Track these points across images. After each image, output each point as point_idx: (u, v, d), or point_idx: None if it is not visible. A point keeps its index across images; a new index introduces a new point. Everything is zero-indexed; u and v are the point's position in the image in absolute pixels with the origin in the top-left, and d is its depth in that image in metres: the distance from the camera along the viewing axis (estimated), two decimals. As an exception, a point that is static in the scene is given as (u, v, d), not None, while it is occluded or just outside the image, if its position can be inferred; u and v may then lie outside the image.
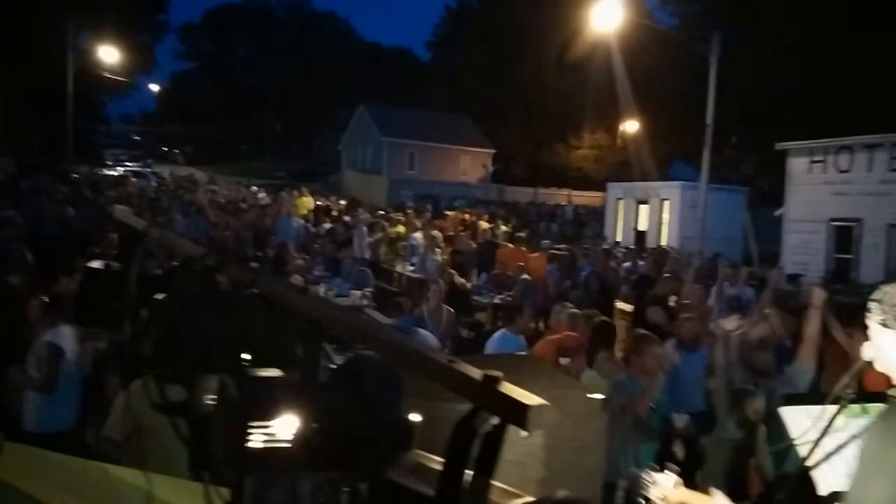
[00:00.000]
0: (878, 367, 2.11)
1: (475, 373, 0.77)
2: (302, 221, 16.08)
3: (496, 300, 10.99)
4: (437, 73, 50.01)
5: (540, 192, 37.57)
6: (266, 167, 48.20)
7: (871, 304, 2.08)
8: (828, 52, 27.16)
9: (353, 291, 9.96)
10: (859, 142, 16.89)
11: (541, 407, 0.72)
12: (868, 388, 2.45)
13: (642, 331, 4.80)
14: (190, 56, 63.97)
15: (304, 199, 20.71)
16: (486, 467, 0.76)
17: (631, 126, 35.42)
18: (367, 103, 43.43)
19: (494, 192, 36.91)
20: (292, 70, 53.46)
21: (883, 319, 2.02)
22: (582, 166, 41.60)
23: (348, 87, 49.91)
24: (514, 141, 42.07)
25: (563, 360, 4.89)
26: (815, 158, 17.93)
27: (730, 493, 3.39)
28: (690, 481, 3.31)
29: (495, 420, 0.74)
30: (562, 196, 37.38)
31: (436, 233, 14.04)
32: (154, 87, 53.89)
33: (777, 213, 19.19)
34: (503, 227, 20.40)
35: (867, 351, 2.14)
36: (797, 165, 18.46)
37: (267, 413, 0.83)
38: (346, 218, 17.71)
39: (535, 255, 11.67)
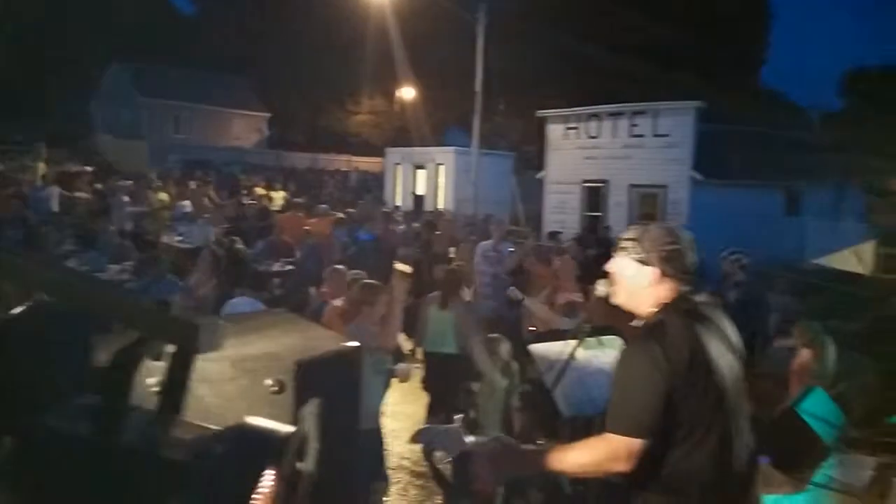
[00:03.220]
0: (620, 300, 2.31)
1: (148, 303, 0.69)
2: (59, 190, 14.29)
3: (275, 268, 10.72)
4: (204, 29, 46.58)
5: (320, 157, 37.07)
6: None
7: (627, 244, 2.26)
8: (586, 25, 29.79)
9: (110, 266, 9.08)
10: (605, 110, 18.80)
11: (213, 326, 0.66)
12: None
13: (368, 281, 4.96)
14: None
15: (41, 163, 18.36)
16: (167, 400, 0.69)
17: (407, 92, 36.11)
18: (122, 60, 39.27)
19: (271, 158, 35.69)
20: (25, 20, 46.47)
21: (643, 257, 2.23)
22: (361, 132, 41.69)
23: (99, 41, 44.68)
24: (290, 105, 40.85)
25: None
26: (570, 125, 19.64)
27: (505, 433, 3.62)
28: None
29: (171, 348, 0.67)
30: (342, 161, 37.24)
31: (206, 200, 13.27)
32: None
33: (539, 175, 20.79)
34: (282, 193, 19.88)
35: (602, 287, 2.36)
36: (554, 132, 20.10)
37: None
38: (99, 186, 16.05)
39: (314, 220, 11.52)
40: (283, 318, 2.00)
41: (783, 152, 19.93)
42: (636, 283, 2.23)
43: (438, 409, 6.03)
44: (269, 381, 1.41)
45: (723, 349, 2.15)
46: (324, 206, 13.05)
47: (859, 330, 7.31)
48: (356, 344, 1.76)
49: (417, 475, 5.76)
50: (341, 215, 11.72)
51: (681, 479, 2.07)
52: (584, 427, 2.31)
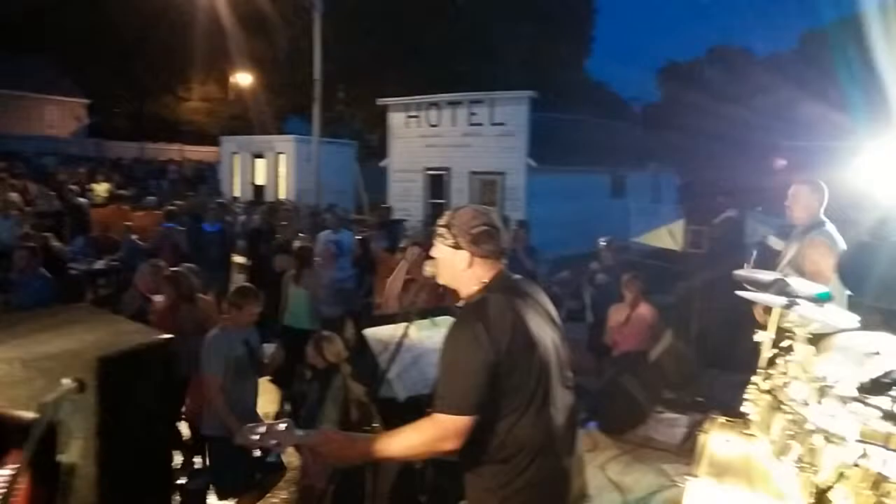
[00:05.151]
0: (445, 282, 2.40)
1: None
2: None
3: (97, 265, 9.94)
4: (11, 7, 41.77)
5: (148, 147, 34.71)
6: None
7: (440, 230, 2.34)
8: (424, 17, 30.15)
9: None
10: (444, 99, 19.16)
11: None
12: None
13: (247, 284, 4.81)
14: None
15: None
16: None
17: (243, 79, 34.66)
18: None
19: (92, 148, 32.89)
20: None
21: (454, 242, 2.28)
22: (194, 120, 39.47)
23: None
24: (112, 91, 37.73)
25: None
26: (411, 114, 19.83)
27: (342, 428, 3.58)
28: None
29: None
30: (173, 151, 35.14)
31: (14, 195, 11.99)
32: None
33: (382, 164, 20.82)
34: (105, 185, 18.44)
35: (429, 269, 2.41)
36: (396, 120, 20.20)
37: None
38: None
39: (141, 213, 10.77)
40: (86, 314, 1.85)
41: (609, 140, 21.43)
42: (453, 266, 2.31)
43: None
44: (67, 381, 1.31)
45: (542, 322, 2.27)
46: (152, 198, 12.24)
47: (672, 302, 8.03)
48: (168, 336, 1.68)
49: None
50: (172, 207, 11.04)
51: (509, 448, 2.16)
52: (420, 408, 2.33)
